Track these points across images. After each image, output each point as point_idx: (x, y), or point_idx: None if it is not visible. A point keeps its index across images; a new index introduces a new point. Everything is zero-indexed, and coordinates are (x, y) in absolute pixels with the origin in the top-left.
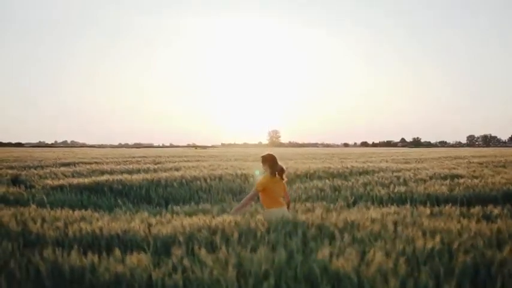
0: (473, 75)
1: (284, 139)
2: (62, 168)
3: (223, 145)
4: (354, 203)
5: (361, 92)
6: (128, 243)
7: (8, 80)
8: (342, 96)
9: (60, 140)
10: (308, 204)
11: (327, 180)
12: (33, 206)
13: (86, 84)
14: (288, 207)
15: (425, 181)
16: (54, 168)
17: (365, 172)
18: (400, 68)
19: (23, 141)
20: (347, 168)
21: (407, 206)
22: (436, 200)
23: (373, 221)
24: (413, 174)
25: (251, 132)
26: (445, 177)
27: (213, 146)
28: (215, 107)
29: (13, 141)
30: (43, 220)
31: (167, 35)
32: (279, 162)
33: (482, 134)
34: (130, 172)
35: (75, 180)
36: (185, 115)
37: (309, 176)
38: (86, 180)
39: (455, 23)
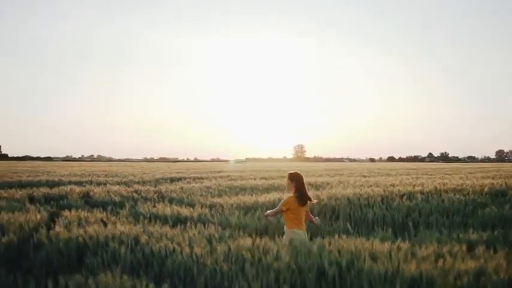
0: (502, 86)
1: (309, 154)
2: (185, 184)
3: (247, 159)
4: None
5: (386, 106)
6: None
7: (36, 97)
8: (366, 111)
9: (86, 155)
10: None
11: None
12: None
13: (111, 101)
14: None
15: None
16: (177, 184)
17: None
18: (427, 81)
19: (51, 156)
20: None
21: None
22: None
23: None
24: None
25: (275, 146)
26: None
27: (236, 161)
28: (238, 121)
29: (41, 156)
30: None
31: (186, 52)
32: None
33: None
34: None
35: (236, 199)
36: (207, 130)
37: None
38: (254, 199)
39: (481, 35)
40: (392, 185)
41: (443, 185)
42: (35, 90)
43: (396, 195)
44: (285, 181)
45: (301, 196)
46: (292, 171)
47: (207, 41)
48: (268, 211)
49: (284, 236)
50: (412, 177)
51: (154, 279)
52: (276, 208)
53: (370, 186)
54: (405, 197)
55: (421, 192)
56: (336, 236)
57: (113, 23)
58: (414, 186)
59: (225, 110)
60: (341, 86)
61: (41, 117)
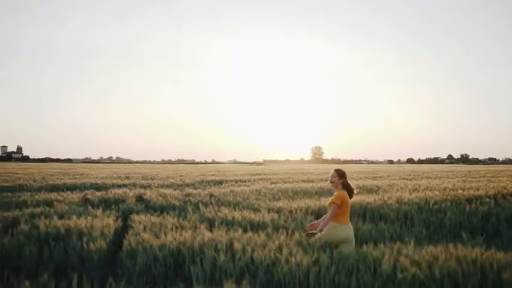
0: None
1: (326, 155)
2: (234, 188)
3: (265, 161)
4: None
5: (401, 107)
6: None
7: (56, 101)
8: (382, 112)
9: (105, 156)
10: None
11: None
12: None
13: (128, 103)
14: None
15: None
16: (226, 188)
17: None
18: (444, 81)
19: (71, 157)
20: None
21: None
22: None
23: None
24: None
25: (292, 148)
26: None
27: (255, 163)
28: (256, 123)
29: (61, 158)
30: None
31: (203, 54)
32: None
33: None
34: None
35: (299, 203)
36: (224, 132)
37: None
38: (318, 203)
39: (501, 32)
40: (450, 189)
41: (504, 188)
42: (55, 93)
43: (462, 199)
44: (329, 178)
45: (350, 192)
46: (339, 168)
47: (222, 43)
48: (316, 222)
49: (325, 230)
50: (459, 180)
51: None
52: (332, 209)
53: (424, 190)
54: (475, 201)
55: (487, 197)
56: (450, 244)
57: (131, 24)
58: (475, 190)
59: (242, 112)
60: (357, 88)
61: (59, 119)
